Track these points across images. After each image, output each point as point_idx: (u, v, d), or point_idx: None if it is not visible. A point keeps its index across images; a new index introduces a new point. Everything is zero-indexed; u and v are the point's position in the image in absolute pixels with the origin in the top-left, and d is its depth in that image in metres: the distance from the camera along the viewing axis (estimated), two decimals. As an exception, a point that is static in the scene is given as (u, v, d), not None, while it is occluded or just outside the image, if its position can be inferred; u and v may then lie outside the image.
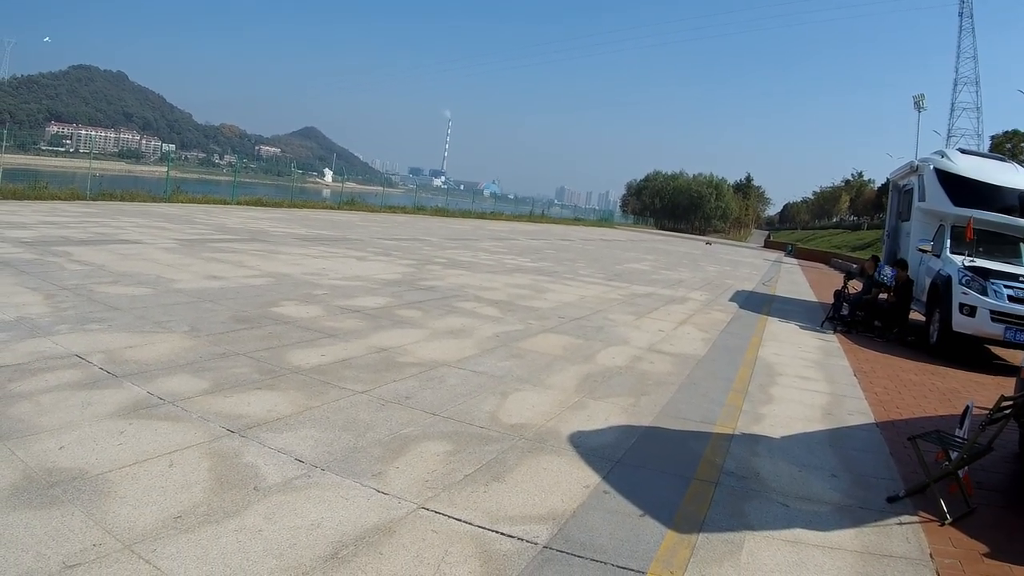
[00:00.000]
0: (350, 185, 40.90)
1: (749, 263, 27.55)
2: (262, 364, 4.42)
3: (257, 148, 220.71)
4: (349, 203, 29.78)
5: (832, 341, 8.71)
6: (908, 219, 11.36)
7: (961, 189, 9.26)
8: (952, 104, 78.04)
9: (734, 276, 18.61)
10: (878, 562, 2.74)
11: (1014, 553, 2.91)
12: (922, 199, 10.19)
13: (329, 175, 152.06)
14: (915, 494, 3.42)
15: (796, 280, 21.15)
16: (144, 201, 18.44)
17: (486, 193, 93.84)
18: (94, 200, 17.17)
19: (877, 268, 10.20)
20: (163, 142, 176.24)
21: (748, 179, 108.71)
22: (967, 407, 3.90)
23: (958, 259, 8.61)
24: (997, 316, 7.83)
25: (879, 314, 9.76)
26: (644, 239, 40.70)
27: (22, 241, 8.54)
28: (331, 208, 27.46)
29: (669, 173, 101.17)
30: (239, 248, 10.46)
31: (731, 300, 12.16)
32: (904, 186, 12.16)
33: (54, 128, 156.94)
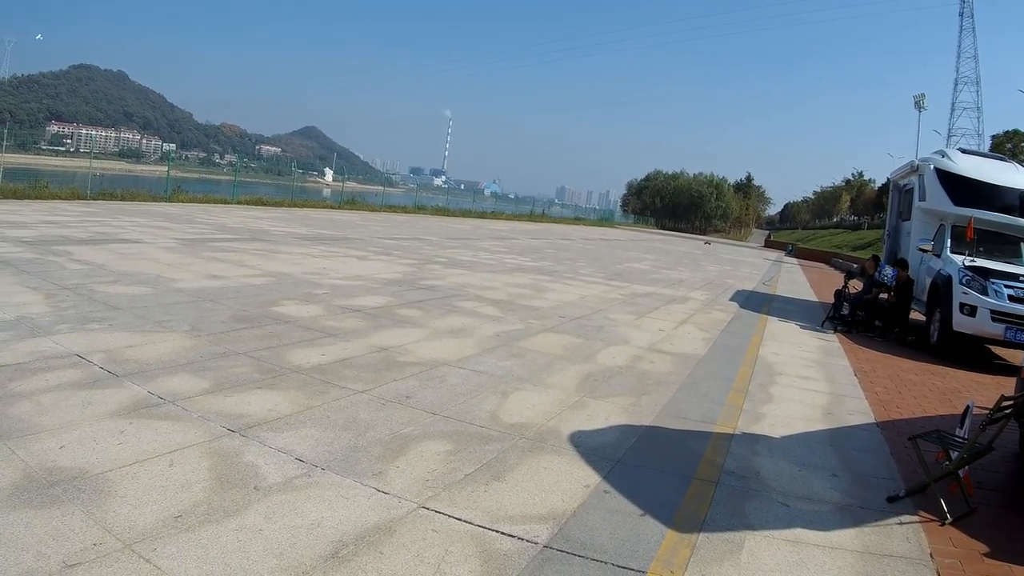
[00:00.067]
0: (351, 184, 40.92)
1: (749, 263, 27.54)
2: (262, 363, 4.42)
3: (258, 147, 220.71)
4: (350, 202, 29.78)
5: (832, 341, 8.71)
6: (909, 219, 11.35)
7: (961, 189, 9.25)
8: (952, 104, 78.07)
9: (734, 276, 18.60)
10: (878, 562, 2.74)
11: (1014, 553, 2.91)
12: (922, 199, 10.18)
13: (330, 174, 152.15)
14: (915, 494, 3.42)
15: (796, 280, 21.14)
16: (145, 200, 18.44)
17: (487, 192, 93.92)
18: (94, 199, 17.17)
19: (878, 268, 10.19)
20: (164, 141, 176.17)
21: (748, 179, 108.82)
22: (967, 407, 3.89)
23: (958, 259, 8.60)
24: (997, 316, 7.83)
25: (879, 314, 9.75)
26: (644, 239, 40.69)
27: (22, 240, 8.54)
28: (332, 207, 27.45)
29: (669, 173, 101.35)
30: (240, 247, 10.46)
31: (731, 300, 12.16)
32: (905, 186, 12.15)
33: (54, 127, 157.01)
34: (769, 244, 60.52)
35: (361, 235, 15.92)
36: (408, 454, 3.24)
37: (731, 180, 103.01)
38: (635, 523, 2.83)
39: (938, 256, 9.24)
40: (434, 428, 3.64)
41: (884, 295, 9.99)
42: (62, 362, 3.94)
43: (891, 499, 3.38)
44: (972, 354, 8.63)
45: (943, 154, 10.33)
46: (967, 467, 3.46)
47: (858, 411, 5.19)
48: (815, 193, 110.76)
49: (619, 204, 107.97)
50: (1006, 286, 7.94)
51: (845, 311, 9.86)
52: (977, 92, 77.65)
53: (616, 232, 46.77)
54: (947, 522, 3.15)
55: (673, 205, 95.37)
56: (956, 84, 78.76)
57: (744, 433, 4.24)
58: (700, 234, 75.04)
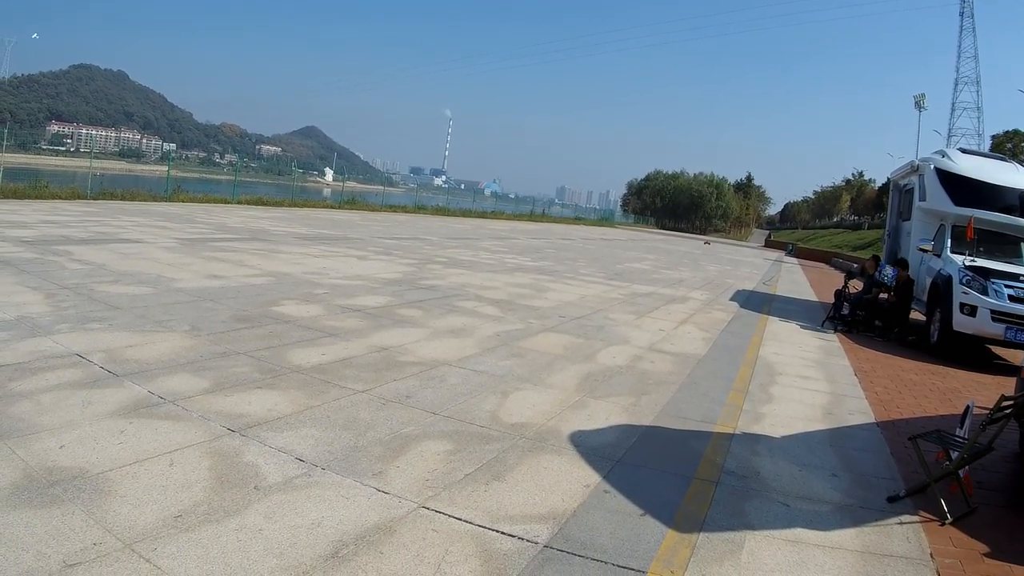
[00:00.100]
0: (351, 184, 40.94)
1: (749, 262, 27.54)
2: (263, 363, 4.42)
3: (258, 147, 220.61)
4: (350, 202, 29.78)
5: (833, 341, 8.71)
6: (909, 219, 11.35)
7: (962, 189, 9.25)
8: (953, 104, 78.12)
9: (735, 275, 18.60)
10: (878, 562, 2.74)
11: (1014, 553, 2.91)
12: (923, 199, 10.18)
13: (330, 174, 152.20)
14: (915, 494, 3.42)
15: (797, 280, 21.14)
16: (145, 200, 18.44)
17: (487, 192, 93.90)
18: (95, 199, 17.17)
19: (878, 268, 10.18)
20: (164, 141, 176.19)
21: (749, 178, 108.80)
22: (968, 407, 3.90)
23: (959, 259, 8.60)
24: (998, 316, 7.83)
25: (880, 314, 9.75)
26: (645, 238, 40.69)
27: (23, 240, 8.54)
28: (332, 207, 27.45)
29: (670, 172, 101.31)
30: (240, 247, 10.46)
31: (732, 299, 12.16)
32: (905, 186, 12.15)
33: (55, 127, 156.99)
34: (769, 244, 60.51)
35: (361, 235, 15.92)
36: (408, 454, 3.24)
37: (731, 180, 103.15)
38: (635, 523, 2.83)
39: (938, 256, 9.24)
40: (434, 428, 3.64)
41: (884, 295, 9.98)
42: (62, 362, 3.94)
43: (891, 499, 3.38)
44: (972, 354, 8.62)
45: (943, 154, 10.33)
46: (967, 467, 3.46)
47: (858, 411, 5.19)
48: (815, 193, 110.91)
49: (619, 204, 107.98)
50: (1006, 286, 7.94)
51: (845, 311, 9.87)
52: (977, 92, 77.76)
53: (616, 232, 46.77)
54: (947, 522, 3.15)
55: (673, 205, 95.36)
56: (956, 84, 78.90)
57: (744, 433, 4.24)
58: (700, 234, 75.03)
